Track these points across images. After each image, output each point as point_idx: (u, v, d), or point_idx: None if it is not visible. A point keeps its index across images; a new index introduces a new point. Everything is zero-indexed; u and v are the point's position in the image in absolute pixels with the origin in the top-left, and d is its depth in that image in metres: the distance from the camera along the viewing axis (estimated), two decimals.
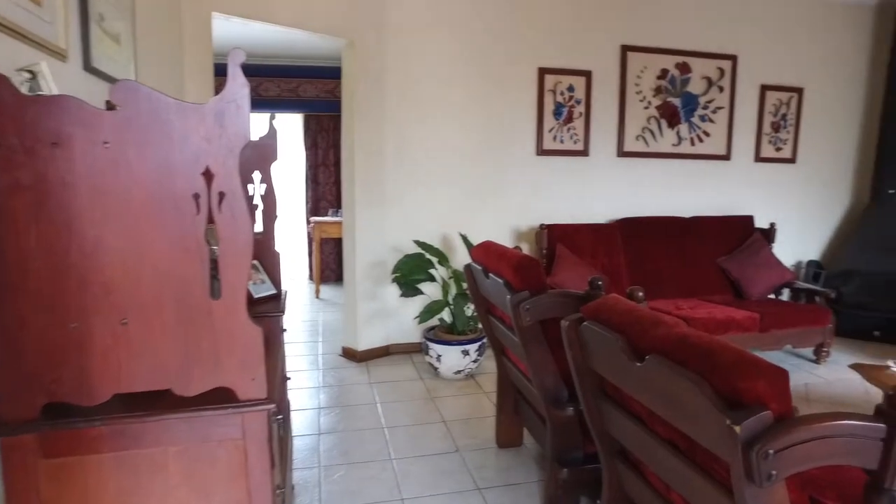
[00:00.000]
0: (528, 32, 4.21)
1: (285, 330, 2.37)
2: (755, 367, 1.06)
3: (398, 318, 4.23)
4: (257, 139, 2.18)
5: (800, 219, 5.17)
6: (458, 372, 3.73)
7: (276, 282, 2.33)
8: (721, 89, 4.76)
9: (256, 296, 2.15)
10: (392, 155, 4.06)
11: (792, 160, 5.08)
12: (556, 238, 4.08)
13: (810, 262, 5.19)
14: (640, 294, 1.76)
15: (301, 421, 3.17)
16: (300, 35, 3.72)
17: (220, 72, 6.26)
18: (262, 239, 2.30)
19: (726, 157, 4.87)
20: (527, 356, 2.06)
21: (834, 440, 1.04)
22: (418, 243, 3.88)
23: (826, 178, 5.25)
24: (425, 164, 4.13)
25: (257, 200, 2.24)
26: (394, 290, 4.07)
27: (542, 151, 4.33)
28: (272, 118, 2.23)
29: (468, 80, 4.14)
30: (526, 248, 4.36)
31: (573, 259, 3.95)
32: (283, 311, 2.16)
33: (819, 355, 4.19)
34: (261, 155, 2.19)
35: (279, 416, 1.34)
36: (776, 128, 4.97)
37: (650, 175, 4.68)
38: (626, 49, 4.45)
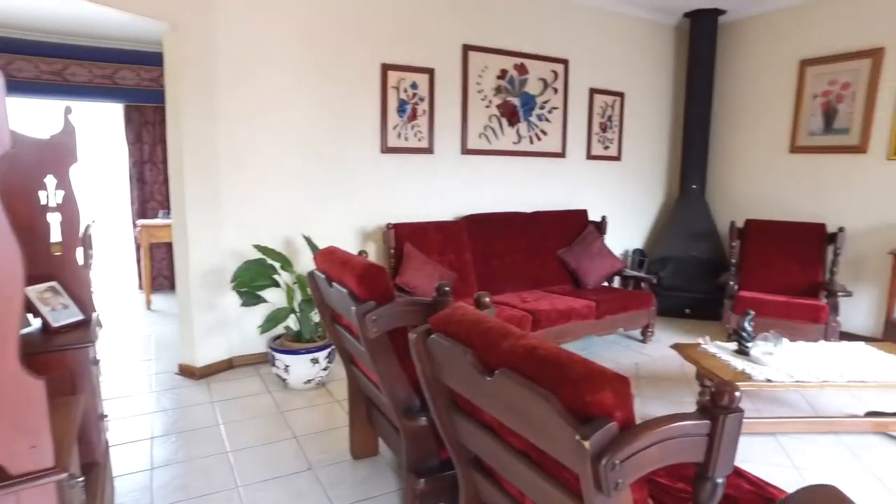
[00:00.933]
0: (370, 26, 4.10)
1: (98, 361, 2.04)
2: (601, 379, 1.07)
3: (241, 329, 3.93)
4: (48, 137, 1.84)
5: (626, 211, 5.68)
6: (309, 381, 3.54)
7: (83, 304, 1.99)
8: (556, 91, 5.05)
9: (56, 324, 1.81)
10: (226, 152, 3.72)
11: (618, 158, 5.56)
12: (404, 237, 4.04)
13: (636, 251, 5.72)
14: (487, 300, 1.75)
15: (129, 457, 2.79)
16: (113, 13, 3.25)
17: (8, 47, 5.29)
18: (63, 255, 1.96)
19: (562, 155, 5.18)
20: (375, 367, 1.98)
21: (671, 442, 1.09)
22: (259, 248, 3.61)
23: (646, 174, 5.83)
24: (264, 163, 3.85)
25: (55, 208, 1.90)
26: (234, 299, 3.76)
27: (386, 149, 4.26)
28: (68, 112, 1.89)
29: (308, 73, 3.92)
30: (373, 249, 4.27)
31: (421, 258, 3.94)
32: (93, 340, 1.85)
33: (645, 335, 4.64)
34: (55, 156, 1.85)
35: (79, 480, 1.11)
36: (604, 128, 5.40)
37: (493, 172, 4.83)
38: (467, 48, 4.53)
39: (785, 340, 2.94)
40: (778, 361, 2.78)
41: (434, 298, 1.91)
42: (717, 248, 5.48)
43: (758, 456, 2.82)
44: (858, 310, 4.73)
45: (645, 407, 3.40)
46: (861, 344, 3.19)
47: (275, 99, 3.83)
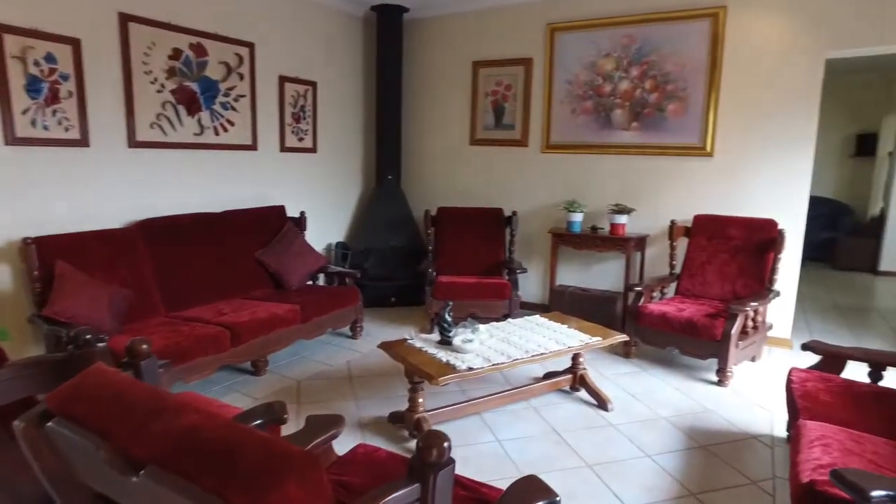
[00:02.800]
0: None
1: None
2: (282, 467, 0.81)
3: None
4: None
5: (325, 205, 5.54)
6: None
7: None
8: (241, 77, 4.57)
9: None
10: None
11: (313, 150, 5.36)
12: (53, 254, 3.16)
13: (338, 245, 5.64)
14: (145, 347, 1.34)
15: None
16: None
17: None
18: None
19: (253, 148, 4.74)
20: None
21: None
22: None
23: (343, 166, 5.76)
24: None
25: None
26: None
27: (14, 140, 3.26)
28: None
29: None
30: (7, 273, 3.27)
31: (81, 278, 3.14)
32: None
33: (355, 331, 4.57)
34: None
35: None
36: (297, 119, 5.12)
37: (172, 168, 4.15)
38: (126, 18, 3.75)
39: (481, 327, 3.13)
40: (477, 347, 2.93)
41: (69, 352, 1.40)
42: (415, 236, 5.74)
43: (468, 437, 2.97)
44: (532, 281, 5.46)
45: (360, 410, 3.30)
46: (536, 317, 3.61)
47: None
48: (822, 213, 8.70)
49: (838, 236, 8.45)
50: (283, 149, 5.03)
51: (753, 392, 3.64)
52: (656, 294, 4.36)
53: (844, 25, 4.05)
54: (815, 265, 8.09)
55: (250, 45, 4.60)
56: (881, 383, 2.70)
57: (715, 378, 3.75)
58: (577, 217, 4.91)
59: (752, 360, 4.13)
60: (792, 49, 4.24)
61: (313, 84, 5.24)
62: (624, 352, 4.21)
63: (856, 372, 2.78)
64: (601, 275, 5.13)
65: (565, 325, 3.40)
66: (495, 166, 5.56)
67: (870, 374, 2.76)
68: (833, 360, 2.82)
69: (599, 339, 3.19)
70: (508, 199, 5.44)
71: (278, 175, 5.01)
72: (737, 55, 4.42)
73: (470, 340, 2.93)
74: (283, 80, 4.93)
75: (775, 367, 4.06)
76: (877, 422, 2.30)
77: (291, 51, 5.00)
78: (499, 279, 4.80)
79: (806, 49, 4.19)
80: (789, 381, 2.69)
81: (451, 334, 2.98)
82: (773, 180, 4.41)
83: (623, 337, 3.30)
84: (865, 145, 9.12)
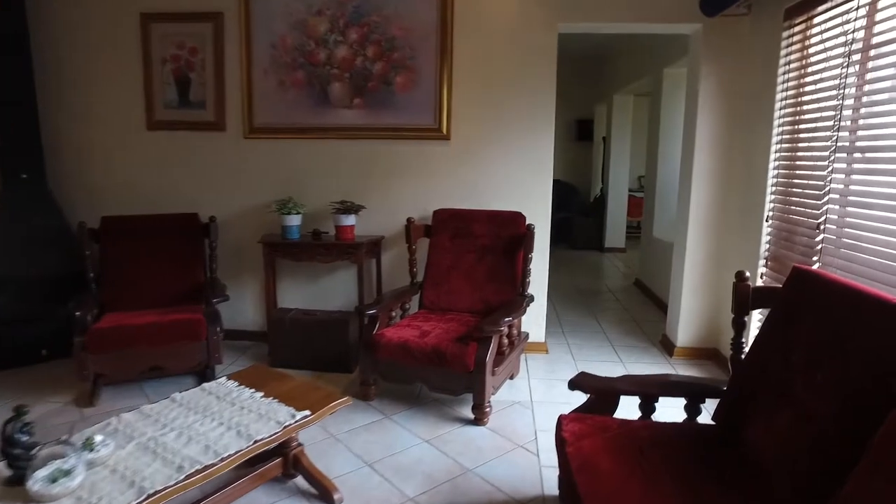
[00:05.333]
0: None
1: None
2: None
3: None
4: None
5: None
6: None
7: None
8: None
9: None
10: None
11: None
12: None
13: None
14: None
15: None
16: None
17: None
18: None
19: None
20: None
21: None
22: None
23: None
24: None
25: None
26: None
27: None
28: None
29: None
30: None
31: None
32: None
33: None
34: None
35: None
36: None
37: None
38: None
39: (99, 439, 1.81)
40: (85, 484, 1.64)
41: None
42: (78, 257, 4.02)
43: None
44: (249, 304, 4.22)
45: None
46: (224, 381, 2.42)
47: None
48: (555, 194, 9.03)
49: (572, 216, 8.80)
50: None
51: (516, 425, 2.98)
52: (396, 313, 3.50)
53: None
54: (554, 245, 8.29)
55: None
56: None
57: (471, 415, 3.01)
58: (294, 220, 3.80)
59: (511, 377, 3.53)
60: (527, 18, 3.69)
61: None
62: (362, 393, 3.26)
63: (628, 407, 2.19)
64: (331, 291, 4.13)
65: (260, 394, 2.28)
66: (185, 158, 4.13)
67: (641, 407, 2.21)
68: (604, 396, 2.20)
69: (307, 413, 2.12)
70: (205, 200, 4.09)
71: None
72: (469, 21, 3.74)
73: (67, 474, 1.62)
74: None
75: (536, 384, 3.51)
76: (669, 481, 1.67)
77: None
78: (190, 313, 3.45)
79: (541, 21, 3.69)
80: (561, 441, 1.97)
81: (25, 469, 1.63)
82: (516, 166, 3.86)
83: (344, 401, 2.29)
84: (584, 131, 9.73)
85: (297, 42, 3.89)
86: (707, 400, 2.19)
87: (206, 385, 2.34)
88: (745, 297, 2.14)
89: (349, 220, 3.77)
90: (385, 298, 3.42)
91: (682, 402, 2.21)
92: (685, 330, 3.98)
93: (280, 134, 3.99)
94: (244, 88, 3.96)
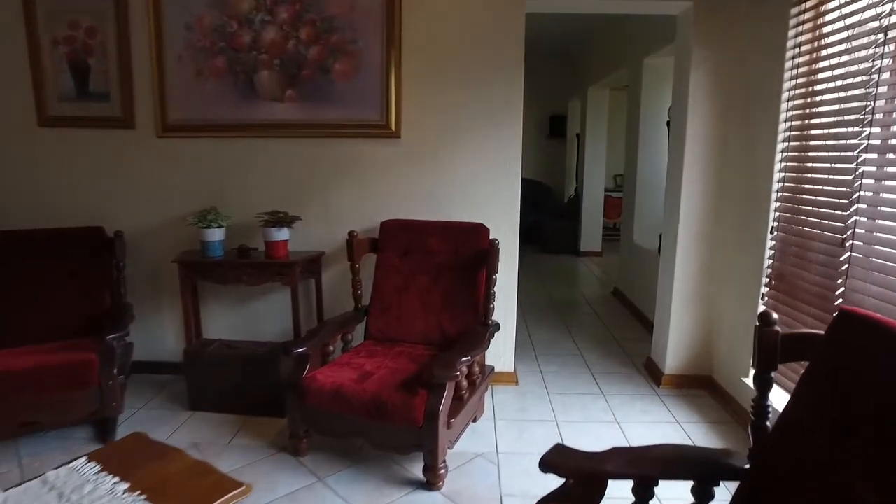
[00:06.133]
0: None
1: None
2: None
3: None
4: None
5: None
6: None
7: None
8: None
9: None
10: None
11: None
12: None
13: None
14: None
15: None
16: None
17: None
18: None
19: None
20: None
21: None
22: None
23: None
24: None
25: None
26: None
27: None
28: None
29: None
30: None
31: None
32: None
33: None
34: None
35: None
36: None
37: None
38: None
39: None
40: None
41: None
42: None
43: None
44: (170, 333, 3.58)
45: None
46: (83, 463, 1.80)
47: None
48: (527, 195, 8.53)
49: (544, 218, 8.29)
50: None
51: (478, 489, 2.42)
52: (336, 347, 2.90)
53: None
54: (526, 249, 7.78)
55: None
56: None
57: (422, 476, 2.44)
58: (216, 234, 3.18)
59: (475, 420, 2.97)
60: None
61: None
62: (291, 447, 2.67)
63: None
64: (265, 317, 3.52)
65: (124, 486, 1.67)
66: (86, 160, 3.46)
67: (636, 492, 1.66)
68: (588, 480, 1.65)
69: None
70: (112, 211, 3.44)
71: None
72: None
73: None
74: None
75: (503, 427, 2.95)
76: None
77: None
78: (82, 352, 2.79)
79: None
80: None
81: None
82: (479, 168, 3.30)
83: (238, 494, 1.69)
84: (557, 127, 9.23)
85: (217, 22, 3.26)
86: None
87: (49, 475, 1.72)
88: (772, 347, 1.61)
89: (281, 234, 3.16)
90: (321, 331, 2.82)
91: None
92: (675, 354, 3.47)
93: (199, 132, 3.36)
94: (155, 78, 3.31)
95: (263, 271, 3.15)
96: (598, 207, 7.90)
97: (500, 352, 3.41)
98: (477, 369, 2.76)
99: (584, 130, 7.70)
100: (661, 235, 4.72)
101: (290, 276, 3.12)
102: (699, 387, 3.45)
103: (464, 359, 2.43)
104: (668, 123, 4.57)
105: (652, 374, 3.65)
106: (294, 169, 3.35)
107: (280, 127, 3.30)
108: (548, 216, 8.37)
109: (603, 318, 5.04)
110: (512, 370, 3.51)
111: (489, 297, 2.87)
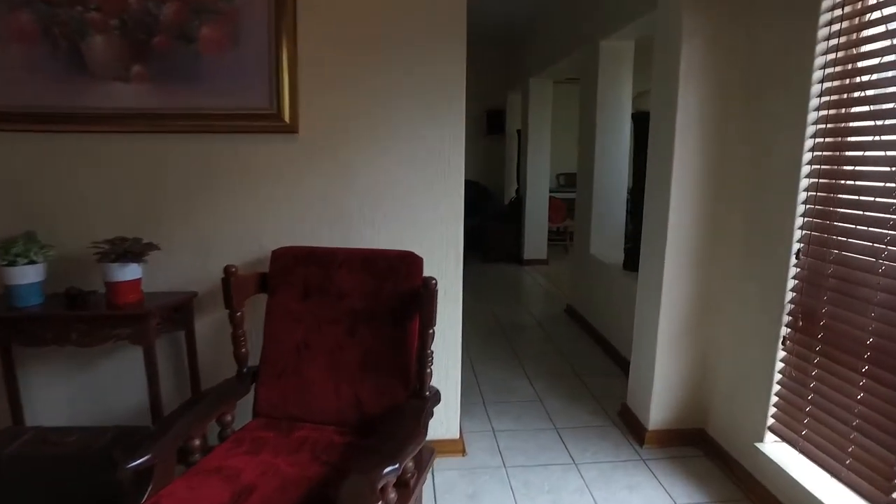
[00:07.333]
0: None
1: None
2: None
3: None
4: None
5: None
6: None
7: None
8: None
9: None
10: None
11: None
12: None
13: None
14: None
15: None
16: None
17: None
18: None
19: None
20: None
21: None
22: None
23: None
24: None
25: None
26: None
27: None
28: None
29: None
30: None
31: None
32: None
33: None
34: None
35: None
36: None
37: None
38: None
39: None
40: None
41: None
42: None
43: None
44: None
45: None
46: None
47: None
48: (465, 198, 7.80)
49: (485, 224, 7.55)
50: None
51: None
52: (215, 433, 1.98)
53: None
54: (466, 258, 7.02)
55: None
56: None
57: None
58: (28, 275, 2.17)
59: None
60: None
61: None
62: None
63: None
64: (119, 386, 2.54)
65: None
66: None
67: None
68: None
69: None
70: None
71: None
72: None
73: None
74: None
75: None
76: None
77: None
78: None
79: None
80: None
81: None
82: (408, 171, 2.46)
83: None
84: (495, 123, 8.53)
85: None
86: None
87: None
88: None
89: (128, 271, 2.20)
90: (180, 418, 1.89)
91: None
92: (660, 404, 2.76)
93: (3, 124, 2.34)
94: None
95: (102, 325, 2.18)
96: (543, 210, 7.22)
97: (443, 417, 2.59)
98: (411, 465, 1.92)
99: (526, 125, 7.00)
100: (627, 248, 4.05)
101: (143, 331, 2.17)
102: (691, 443, 2.76)
103: (388, 469, 1.58)
104: (634, 116, 3.89)
105: (631, 427, 2.93)
106: (147, 178, 2.38)
107: (124, 118, 2.32)
108: (489, 220, 7.63)
109: (558, 343, 4.32)
110: (458, 437, 2.69)
111: (425, 358, 2.03)
